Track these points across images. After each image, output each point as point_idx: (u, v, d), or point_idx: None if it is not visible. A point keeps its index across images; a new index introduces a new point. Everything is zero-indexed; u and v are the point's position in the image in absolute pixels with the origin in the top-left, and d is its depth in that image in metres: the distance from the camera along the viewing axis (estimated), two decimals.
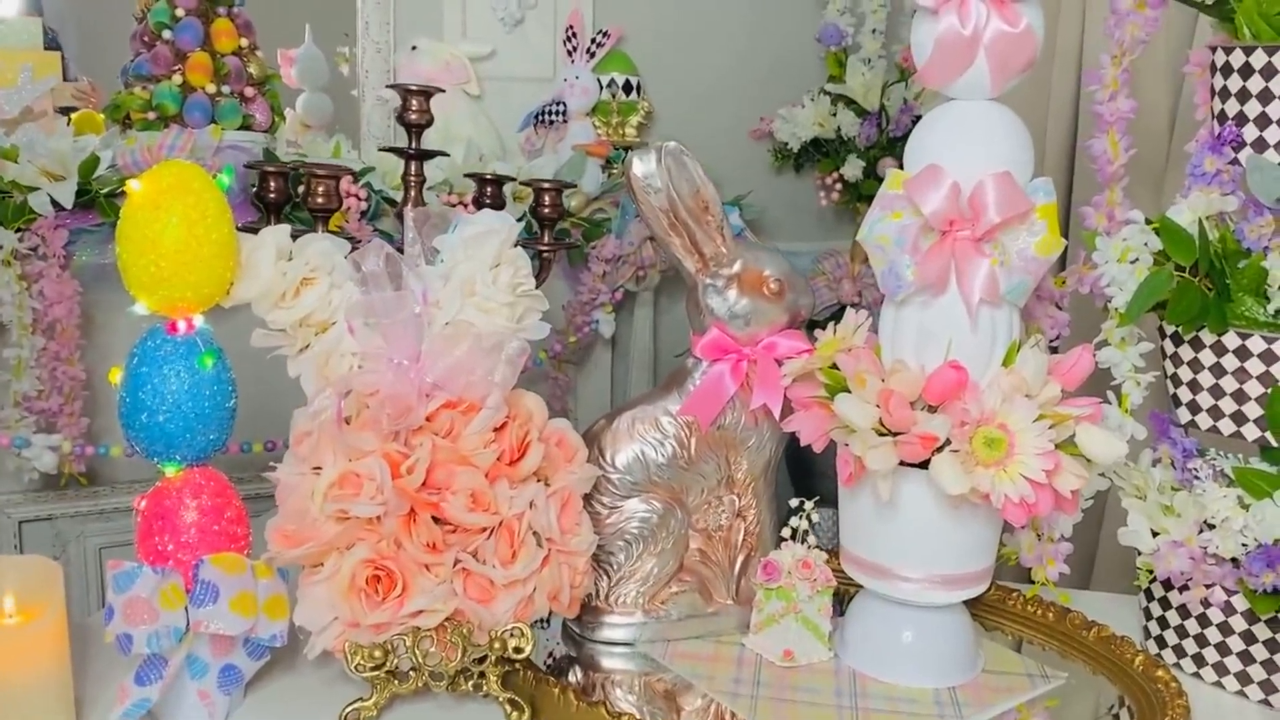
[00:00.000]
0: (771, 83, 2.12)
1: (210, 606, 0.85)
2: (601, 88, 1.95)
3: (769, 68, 2.12)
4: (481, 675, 0.92)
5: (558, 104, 1.93)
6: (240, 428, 1.24)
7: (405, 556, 0.89)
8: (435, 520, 0.90)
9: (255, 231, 0.93)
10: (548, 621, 1.08)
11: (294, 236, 0.95)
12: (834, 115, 2.02)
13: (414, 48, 1.82)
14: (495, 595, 0.90)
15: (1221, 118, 1.00)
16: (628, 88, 1.97)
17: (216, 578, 0.86)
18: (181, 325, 0.88)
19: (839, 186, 2.06)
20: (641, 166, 1.00)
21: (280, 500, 0.91)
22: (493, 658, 0.91)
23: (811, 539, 1.04)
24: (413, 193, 1.17)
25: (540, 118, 1.93)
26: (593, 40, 1.94)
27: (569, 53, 1.94)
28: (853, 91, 2.01)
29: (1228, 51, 0.98)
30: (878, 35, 2.02)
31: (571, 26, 1.94)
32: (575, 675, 1.03)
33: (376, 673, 0.89)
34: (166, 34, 1.52)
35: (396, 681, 0.91)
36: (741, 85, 2.11)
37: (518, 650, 0.91)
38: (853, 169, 2.01)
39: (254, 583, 0.88)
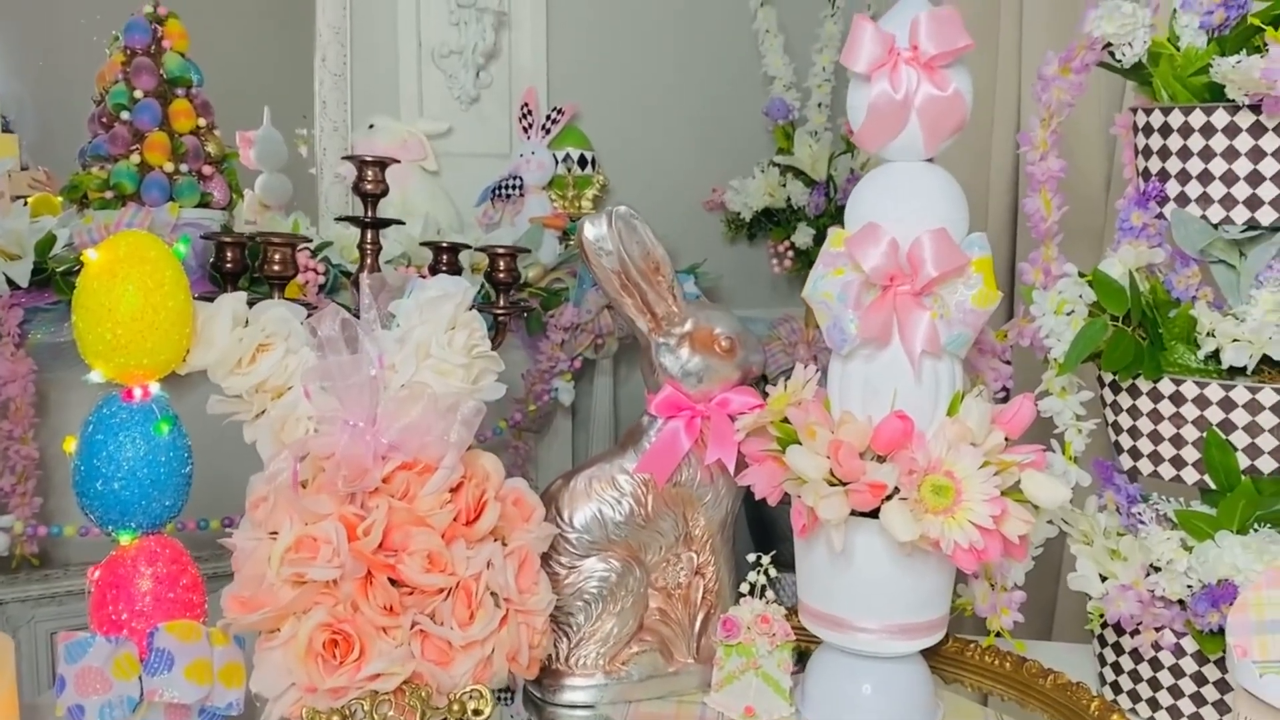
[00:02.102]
0: (722, 155, 2.18)
1: (165, 675, 0.84)
2: (557, 162, 2.00)
3: (719, 141, 2.19)
4: None
5: (514, 179, 1.97)
6: (199, 505, 1.24)
7: (362, 619, 0.88)
8: (392, 582, 0.90)
9: (212, 300, 0.94)
10: (511, 695, 1.07)
11: (250, 304, 0.96)
12: (783, 185, 2.08)
13: (371, 126, 1.86)
14: (453, 657, 0.90)
15: (1146, 175, 1.05)
16: (583, 162, 2.02)
17: (171, 645, 0.85)
18: (137, 392, 0.88)
19: (791, 254, 2.11)
20: (593, 230, 1.03)
21: (237, 566, 0.90)
22: None
23: (770, 594, 1.05)
24: (369, 260, 1.19)
25: (497, 192, 1.97)
26: (547, 117, 1.99)
27: (524, 129, 1.99)
28: (801, 163, 2.07)
29: (1148, 113, 1.03)
30: (823, 109, 2.09)
31: (527, 103, 1.99)
32: None
33: None
34: (125, 115, 1.54)
35: None
36: (693, 158, 2.17)
37: (477, 712, 0.90)
38: (803, 237, 2.06)
39: (209, 650, 0.88)
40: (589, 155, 2.03)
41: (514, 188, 1.96)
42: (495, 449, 1.85)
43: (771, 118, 2.13)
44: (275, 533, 0.90)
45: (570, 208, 2.00)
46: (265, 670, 0.88)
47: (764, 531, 1.83)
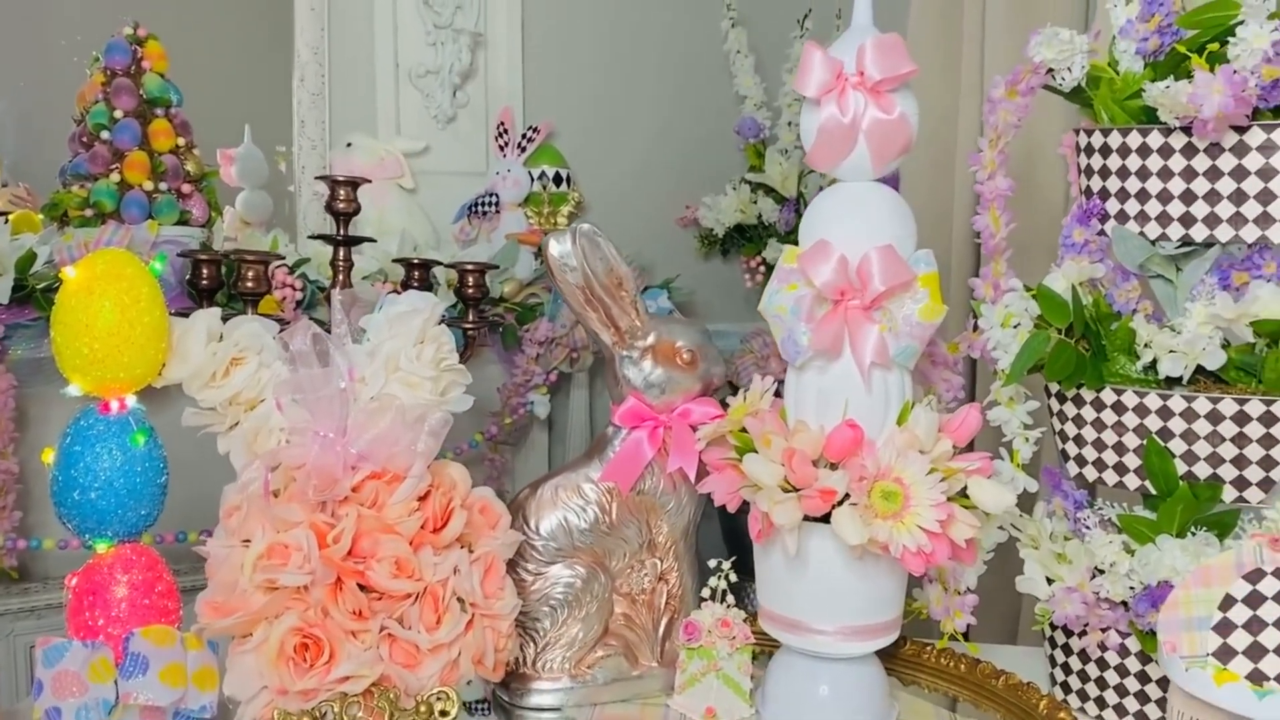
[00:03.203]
0: (696, 173, 2.22)
1: (140, 678, 0.87)
2: (533, 180, 2.04)
3: (693, 159, 2.23)
4: None
5: (490, 196, 2.01)
6: (179, 519, 1.27)
7: (332, 624, 0.91)
8: (361, 588, 0.93)
9: (188, 315, 0.97)
10: (489, 706, 1.10)
11: (225, 319, 1.00)
12: (754, 203, 2.13)
13: (349, 145, 1.90)
14: (421, 660, 0.93)
15: (1088, 193, 1.09)
16: (558, 179, 2.06)
17: (146, 650, 0.88)
18: (114, 405, 0.91)
19: (763, 269, 2.15)
20: (558, 247, 1.07)
21: (210, 573, 0.93)
22: None
23: (730, 599, 1.08)
24: (340, 276, 1.22)
25: (474, 209, 2.01)
26: (523, 135, 2.03)
27: (500, 147, 2.03)
28: (771, 180, 2.12)
29: (1089, 134, 1.08)
30: (793, 128, 2.14)
31: (503, 122, 2.03)
32: None
33: None
34: (105, 134, 1.58)
35: None
36: (667, 176, 2.22)
37: (444, 713, 0.93)
38: (774, 252, 2.10)
39: (184, 654, 0.90)
40: (564, 173, 2.07)
41: (490, 205, 2.00)
42: (472, 462, 1.88)
43: (743, 136, 2.18)
44: (248, 540, 0.93)
45: (546, 224, 2.04)
46: (238, 673, 0.91)
47: (737, 542, 1.87)
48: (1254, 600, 0.80)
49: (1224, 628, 0.81)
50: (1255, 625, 0.79)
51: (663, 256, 2.17)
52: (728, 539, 1.98)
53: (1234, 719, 0.80)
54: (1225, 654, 0.80)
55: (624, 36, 2.17)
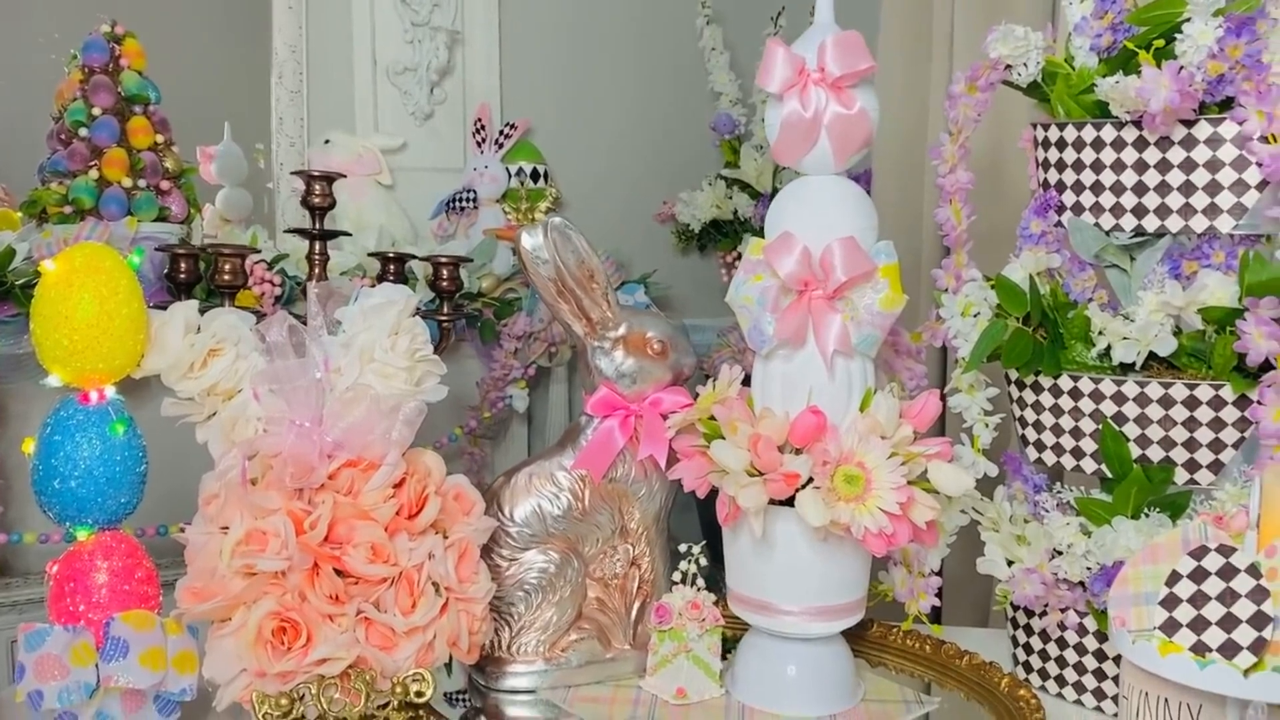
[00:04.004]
0: (672, 169, 2.25)
1: (120, 661, 0.89)
2: (510, 176, 2.06)
3: (669, 155, 2.26)
4: None
5: (468, 192, 2.03)
6: (161, 513, 1.28)
7: (309, 608, 0.94)
8: (338, 573, 0.95)
9: (166, 309, 0.99)
10: (466, 697, 1.12)
11: (202, 312, 1.02)
12: (729, 198, 2.16)
13: (327, 141, 1.91)
14: (397, 642, 0.96)
15: (1046, 185, 1.12)
16: (535, 175, 2.08)
17: (126, 634, 0.90)
18: (94, 395, 0.93)
19: (739, 264, 2.17)
20: (530, 240, 1.09)
21: (189, 559, 0.95)
22: (395, 702, 0.96)
23: (700, 582, 1.11)
24: (316, 270, 1.24)
25: (452, 205, 2.03)
26: (500, 131, 2.06)
27: (478, 143, 2.05)
28: (746, 175, 2.15)
29: (1046, 128, 1.11)
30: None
31: (480, 119, 2.05)
32: None
33: None
34: (83, 132, 1.59)
35: None
36: (644, 172, 2.25)
37: (419, 694, 0.96)
38: None
39: (164, 639, 0.93)
40: (541, 169, 2.09)
41: (468, 200, 2.02)
42: (452, 456, 1.90)
43: (718, 132, 2.21)
44: (226, 527, 0.95)
45: (524, 220, 2.06)
46: (217, 657, 0.93)
47: (716, 532, 1.90)
48: (1198, 575, 0.83)
49: (1169, 602, 0.84)
50: (1199, 599, 0.82)
51: (642, 252, 2.20)
52: (706, 531, 2.01)
53: (1178, 689, 0.83)
54: (1170, 627, 0.83)
55: (601, 34, 2.20)
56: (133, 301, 0.93)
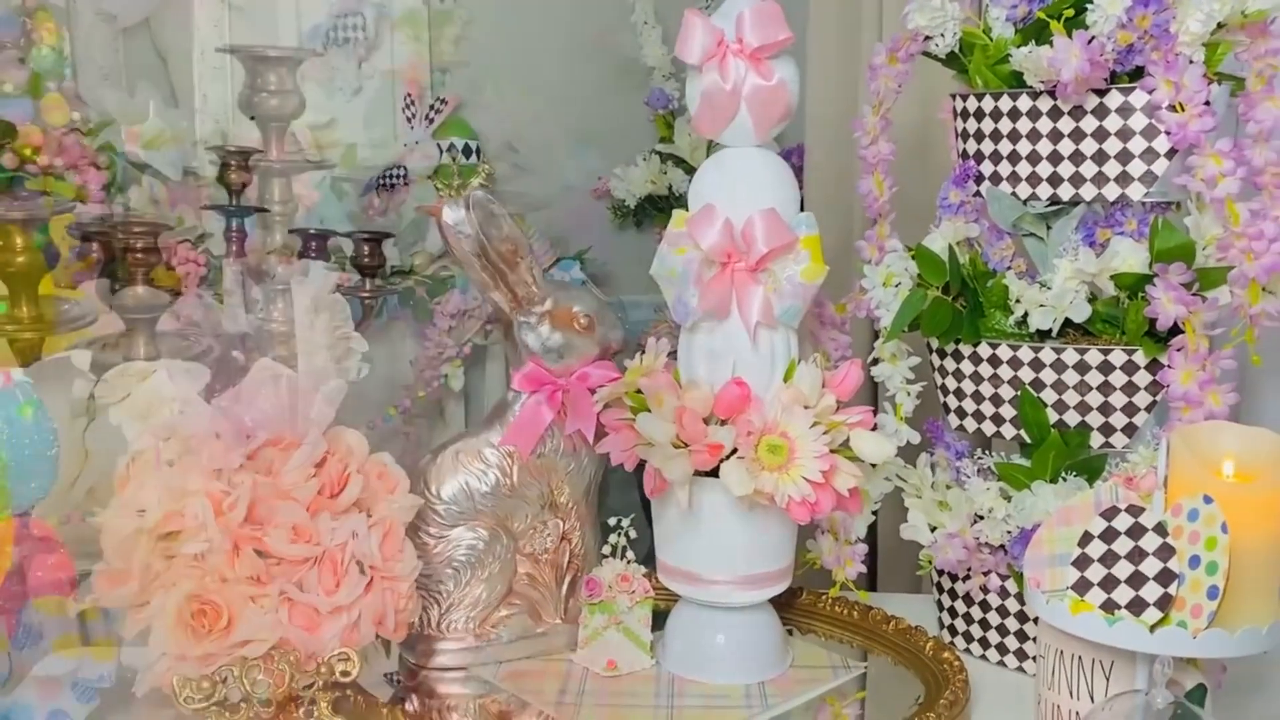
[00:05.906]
0: (608, 144, 2.23)
1: (33, 649, 0.87)
2: (442, 152, 2.03)
3: (604, 131, 2.24)
4: (313, 702, 0.96)
5: (399, 169, 2.00)
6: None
7: (230, 590, 0.92)
8: (259, 554, 0.94)
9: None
10: (399, 678, 1.11)
11: (118, 291, 0.99)
12: (664, 174, 2.15)
13: (251, 117, 1.87)
14: (320, 623, 0.95)
15: (965, 156, 1.13)
16: (467, 151, 2.06)
17: (40, 621, 0.88)
18: (0, 378, 0.91)
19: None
20: (452, 214, 1.08)
21: (105, 544, 0.94)
22: (320, 683, 0.95)
23: (630, 554, 1.12)
24: (234, 247, 1.22)
25: (383, 182, 2.00)
26: (430, 107, 2.03)
27: (408, 119, 2.03)
28: (681, 151, 2.15)
29: (964, 99, 1.12)
30: None
31: (410, 94, 2.03)
32: (412, 703, 1.07)
33: (206, 705, 0.92)
34: None
35: (228, 714, 0.94)
36: (579, 147, 2.22)
37: (345, 674, 0.95)
38: None
39: (78, 625, 0.91)
40: (473, 145, 2.07)
41: (399, 177, 2.00)
42: (387, 436, 1.88)
43: (652, 107, 2.20)
44: (143, 510, 0.93)
45: (456, 196, 2.04)
46: (135, 641, 0.92)
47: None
48: (1109, 535, 0.85)
49: (1081, 562, 0.86)
50: (1109, 558, 0.85)
51: (579, 229, 2.18)
52: (647, 508, 2.01)
53: (1090, 646, 0.86)
54: (1082, 586, 0.85)
55: (532, 6, 2.17)
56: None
